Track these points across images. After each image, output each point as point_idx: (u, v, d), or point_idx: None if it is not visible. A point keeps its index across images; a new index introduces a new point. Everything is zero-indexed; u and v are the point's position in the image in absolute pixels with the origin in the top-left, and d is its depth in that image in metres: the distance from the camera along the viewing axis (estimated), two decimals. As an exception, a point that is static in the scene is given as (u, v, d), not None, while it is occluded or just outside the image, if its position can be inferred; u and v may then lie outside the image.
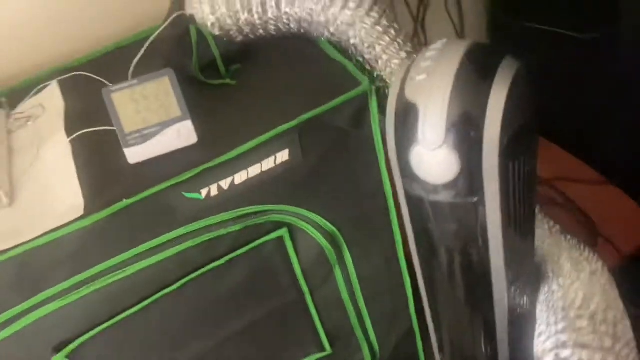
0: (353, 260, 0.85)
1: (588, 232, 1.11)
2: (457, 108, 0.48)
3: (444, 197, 0.54)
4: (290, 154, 0.67)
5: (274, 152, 0.67)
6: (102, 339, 0.68)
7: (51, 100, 0.83)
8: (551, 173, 1.22)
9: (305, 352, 0.93)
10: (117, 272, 0.63)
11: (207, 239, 0.66)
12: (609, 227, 1.12)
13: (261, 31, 0.83)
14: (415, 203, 0.59)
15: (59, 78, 0.86)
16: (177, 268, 0.67)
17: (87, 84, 0.83)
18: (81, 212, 0.61)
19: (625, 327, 0.61)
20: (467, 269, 0.63)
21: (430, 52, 0.52)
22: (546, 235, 0.74)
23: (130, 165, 0.66)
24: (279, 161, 0.67)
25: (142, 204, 0.62)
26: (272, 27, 0.82)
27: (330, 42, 0.82)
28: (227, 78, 0.78)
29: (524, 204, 0.58)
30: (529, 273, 0.68)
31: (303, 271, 0.81)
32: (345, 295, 0.89)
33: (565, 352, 0.59)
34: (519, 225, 0.59)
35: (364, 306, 0.93)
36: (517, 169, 0.54)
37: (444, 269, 0.65)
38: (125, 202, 0.61)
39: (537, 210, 0.70)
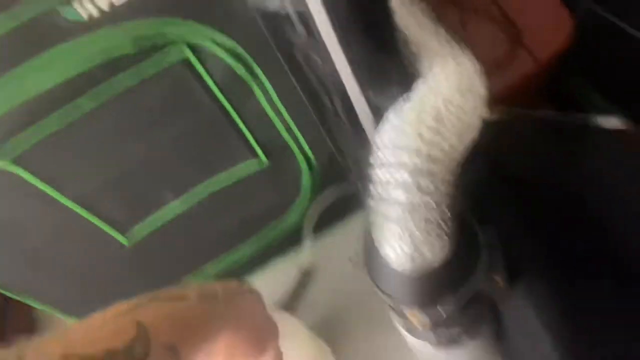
0: (266, 75, 0.94)
1: (510, 39, 1.15)
2: None
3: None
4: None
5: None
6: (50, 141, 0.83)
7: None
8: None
9: (243, 163, 1.08)
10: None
11: (103, 61, 0.76)
12: (531, 34, 1.14)
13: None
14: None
15: None
16: (83, 87, 0.79)
17: None
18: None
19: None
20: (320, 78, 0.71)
21: None
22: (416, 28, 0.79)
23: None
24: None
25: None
26: None
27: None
28: None
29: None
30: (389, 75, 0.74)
31: (220, 89, 0.92)
32: (269, 110, 1.01)
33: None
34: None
35: (290, 118, 1.04)
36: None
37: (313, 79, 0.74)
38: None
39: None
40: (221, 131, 0.99)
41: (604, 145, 0.87)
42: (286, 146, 1.09)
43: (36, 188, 0.91)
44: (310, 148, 1.12)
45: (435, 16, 0.79)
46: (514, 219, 0.78)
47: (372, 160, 0.62)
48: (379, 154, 0.60)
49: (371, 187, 0.62)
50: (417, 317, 0.73)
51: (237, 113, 0.98)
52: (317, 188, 1.21)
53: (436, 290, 0.67)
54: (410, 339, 0.89)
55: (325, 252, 1.34)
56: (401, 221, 0.59)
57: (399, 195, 0.59)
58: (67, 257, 1.10)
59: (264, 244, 1.31)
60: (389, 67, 0.70)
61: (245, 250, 1.30)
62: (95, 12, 0.70)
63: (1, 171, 0.85)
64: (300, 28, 0.66)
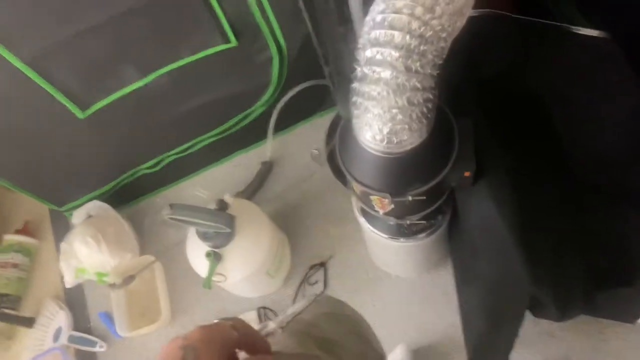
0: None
1: None
2: None
3: None
4: None
5: None
6: None
7: None
8: None
9: (210, 41, 1.02)
10: None
11: None
12: None
13: None
14: None
15: None
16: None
17: None
18: None
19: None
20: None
21: None
22: None
23: None
24: None
25: None
26: None
27: None
28: None
29: None
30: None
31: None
32: (244, -12, 0.94)
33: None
34: None
35: (266, 1, 0.99)
36: None
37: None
38: None
39: None
40: (193, 9, 0.92)
41: (574, 52, 0.88)
42: (257, 28, 1.04)
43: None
44: (283, 34, 1.07)
45: None
46: (482, 116, 0.79)
47: (360, 40, 0.60)
48: (370, 32, 0.58)
49: (356, 67, 0.60)
50: (383, 204, 0.75)
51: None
52: (286, 79, 1.18)
53: (408, 177, 0.68)
54: (368, 229, 0.93)
55: (288, 147, 1.34)
56: (384, 100, 0.59)
57: (387, 74, 0.58)
58: (22, 129, 1.04)
59: (228, 135, 1.28)
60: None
61: (208, 139, 1.28)
62: None
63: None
64: None
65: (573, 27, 0.89)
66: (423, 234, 0.90)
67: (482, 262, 0.84)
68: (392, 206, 0.75)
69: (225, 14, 0.97)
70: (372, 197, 0.74)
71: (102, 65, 0.99)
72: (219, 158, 1.37)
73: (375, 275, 1.15)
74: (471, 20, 0.64)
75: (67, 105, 1.01)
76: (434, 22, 0.58)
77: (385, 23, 0.57)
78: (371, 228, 0.92)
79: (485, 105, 0.83)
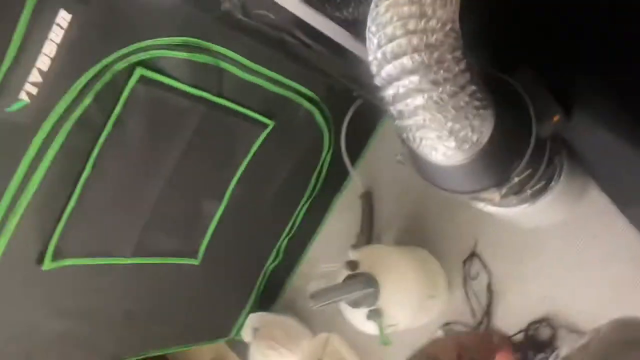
0: (228, 48, 0.88)
1: None
2: None
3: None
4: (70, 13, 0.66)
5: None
6: (74, 222, 0.82)
7: None
8: None
9: (253, 136, 1.04)
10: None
11: (75, 122, 0.73)
12: None
13: None
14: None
15: None
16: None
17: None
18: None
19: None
20: None
21: None
22: None
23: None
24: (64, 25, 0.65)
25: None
26: None
27: None
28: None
29: None
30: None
31: (193, 85, 0.86)
32: (249, 77, 0.95)
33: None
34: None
35: (273, 72, 0.98)
36: None
37: None
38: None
39: None
40: (220, 121, 0.95)
41: None
42: (282, 99, 1.04)
43: (92, 267, 0.92)
44: (308, 88, 1.06)
45: None
46: (534, 51, 0.71)
47: (376, 80, 0.57)
48: (381, 72, 0.55)
49: (387, 109, 0.57)
50: (493, 197, 0.70)
51: (222, 97, 0.93)
52: (334, 116, 1.17)
53: (501, 161, 0.63)
54: (495, 210, 0.87)
55: (373, 167, 1.31)
56: (432, 123, 0.55)
57: (420, 101, 0.54)
58: (154, 302, 1.13)
59: (317, 193, 1.30)
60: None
61: (302, 208, 1.30)
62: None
63: (52, 271, 0.86)
64: None
65: None
66: (550, 186, 0.82)
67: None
68: (504, 191, 0.70)
69: (249, 107, 0.99)
70: (480, 197, 0.69)
71: (186, 216, 1.05)
72: (323, 214, 1.39)
73: (530, 235, 1.07)
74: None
75: (181, 261, 1.09)
76: (432, 22, 0.53)
77: (388, 56, 0.54)
78: (499, 209, 0.86)
79: (529, 38, 0.74)
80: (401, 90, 0.54)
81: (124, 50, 0.73)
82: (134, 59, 0.76)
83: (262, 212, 1.20)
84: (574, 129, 0.70)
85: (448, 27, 0.54)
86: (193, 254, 1.11)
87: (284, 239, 1.32)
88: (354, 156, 1.27)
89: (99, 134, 0.77)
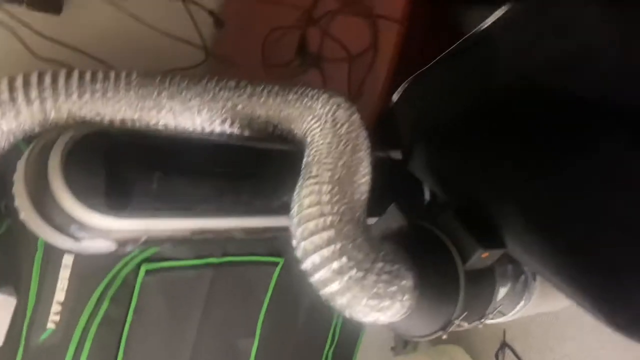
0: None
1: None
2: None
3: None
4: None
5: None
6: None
7: None
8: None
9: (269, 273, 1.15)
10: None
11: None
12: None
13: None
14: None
15: None
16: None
17: None
18: None
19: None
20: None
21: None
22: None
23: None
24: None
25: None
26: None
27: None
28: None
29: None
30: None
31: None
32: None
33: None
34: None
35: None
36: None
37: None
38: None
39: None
40: (230, 274, 1.07)
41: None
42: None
43: None
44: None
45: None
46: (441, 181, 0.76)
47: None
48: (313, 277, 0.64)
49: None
50: (463, 325, 0.74)
51: (227, 255, 1.05)
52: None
53: (440, 310, 0.68)
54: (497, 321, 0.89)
55: None
56: (353, 302, 0.62)
57: (335, 286, 0.62)
58: None
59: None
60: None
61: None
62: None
63: None
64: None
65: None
66: (529, 287, 0.84)
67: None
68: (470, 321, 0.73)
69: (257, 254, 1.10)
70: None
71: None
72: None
73: (555, 317, 1.06)
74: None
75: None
76: (343, 207, 0.62)
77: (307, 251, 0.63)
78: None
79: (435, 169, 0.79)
80: (318, 278, 0.63)
81: (127, 258, 0.88)
82: (137, 259, 0.91)
83: (298, 333, 1.28)
84: (514, 252, 0.73)
85: (357, 213, 0.62)
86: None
87: (327, 351, 1.38)
88: None
89: (122, 328, 0.92)
